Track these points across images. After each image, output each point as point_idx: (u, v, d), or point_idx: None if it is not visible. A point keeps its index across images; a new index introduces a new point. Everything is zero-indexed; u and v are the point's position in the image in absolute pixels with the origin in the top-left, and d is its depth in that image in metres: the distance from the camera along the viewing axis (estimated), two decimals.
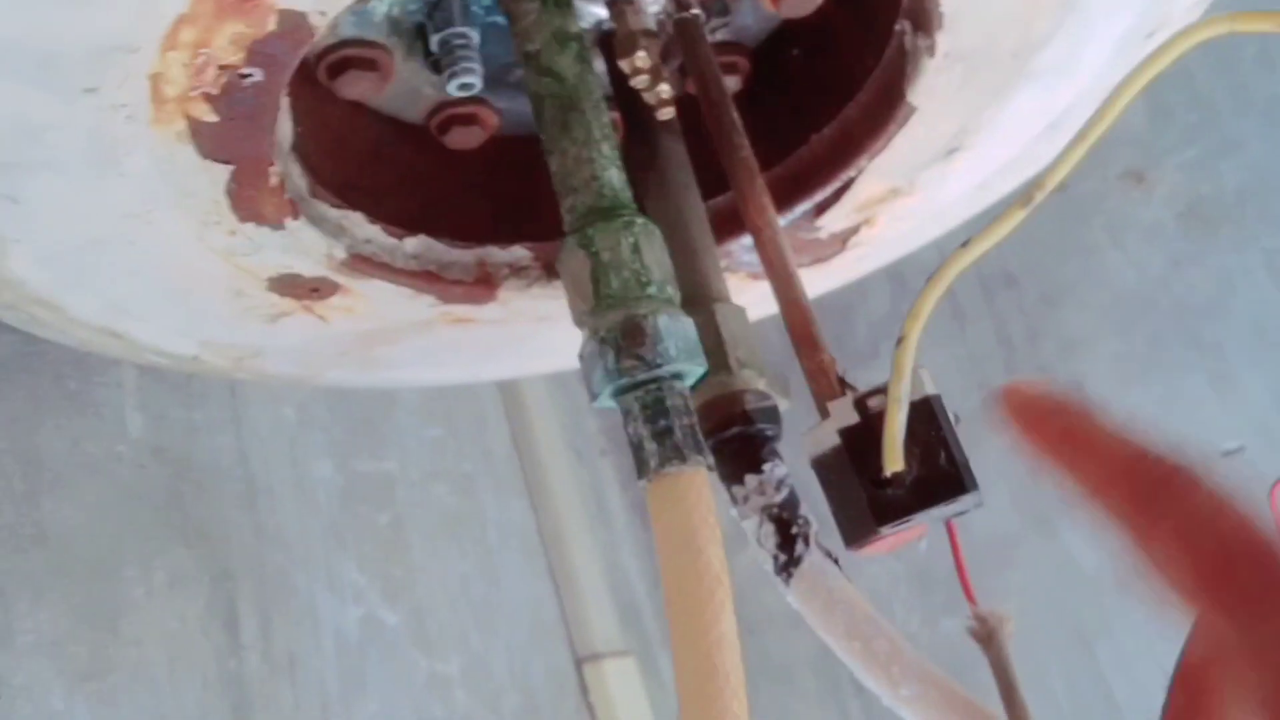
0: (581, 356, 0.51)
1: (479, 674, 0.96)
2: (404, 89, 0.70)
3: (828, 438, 0.51)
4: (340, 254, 0.64)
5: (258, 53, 0.47)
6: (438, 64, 0.68)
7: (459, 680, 0.93)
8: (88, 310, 0.62)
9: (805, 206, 0.77)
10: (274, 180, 0.56)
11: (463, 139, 0.72)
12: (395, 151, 0.72)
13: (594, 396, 0.50)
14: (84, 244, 0.57)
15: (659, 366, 0.48)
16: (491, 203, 0.75)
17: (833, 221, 0.80)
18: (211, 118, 0.50)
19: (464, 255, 0.72)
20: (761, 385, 0.60)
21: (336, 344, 0.73)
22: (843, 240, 0.83)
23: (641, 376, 0.47)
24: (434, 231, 0.70)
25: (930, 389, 0.48)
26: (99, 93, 0.47)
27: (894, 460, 0.46)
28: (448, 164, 0.74)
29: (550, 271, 0.76)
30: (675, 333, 0.49)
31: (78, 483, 0.69)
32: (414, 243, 0.69)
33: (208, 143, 0.51)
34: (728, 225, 0.75)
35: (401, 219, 0.68)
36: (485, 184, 0.76)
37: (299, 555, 0.83)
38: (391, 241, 0.67)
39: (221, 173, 0.54)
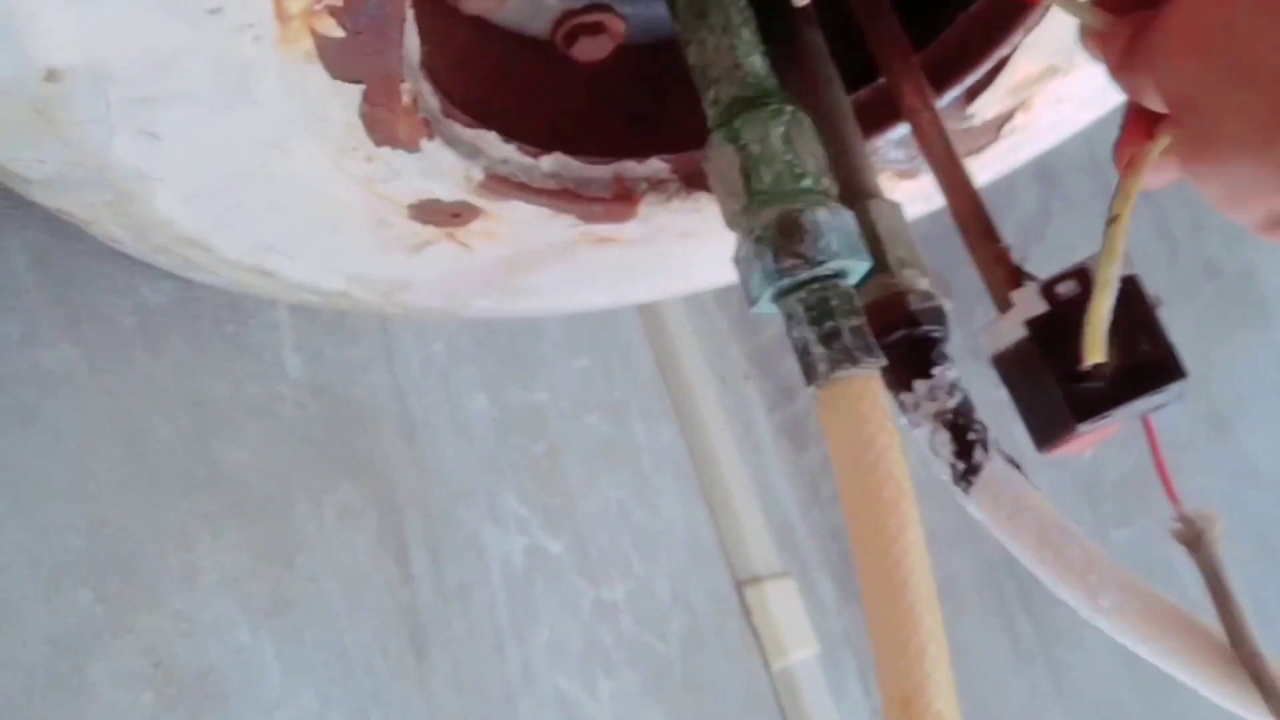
0: (737, 259, 0.48)
1: (643, 599, 0.96)
2: (527, 1, 0.68)
3: (1011, 331, 0.46)
4: (478, 175, 0.62)
5: None
6: None
7: (624, 606, 0.93)
8: (236, 248, 0.62)
9: (955, 93, 0.71)
10: (406, 99, 0.54)
11: (590, 50, 0.69)
12: (522, 67, 0.70)
13: (753, 301, 0.47)
14: (225, 178, 0.56)
15: (821, 264, 0.44)
16: (624, 115, 0.72)
17: (985, 107, 0.74)
18: (337, 33, 0.48)
19: (601, 171, 0.70)
20: (924, 285, 0.56)
21: (480, 272, 0.72)
22: (996, 128, 0.77)
23: (803, 275, 0.44)
24: (568, 148, 0.68)
25: (1127, 268, 0.43)
26: (223, 13, 0.45)
27: (1097, 349, 0.42)
28: (576, 77, 0.71)
29: (689, 184, 0.73)
30: (836, 227, 0.45)
31: (243, 423, 0.70)
32: (550, 160, 0.67)
33: (336, 61, 0.50)
34: (870, 120, 0.70)
35: (535, 136, 0.66)
36: (616, 96, 0.73)
37: (461, 487, 0.83)
38: (528, 160, 0.65)
39: (353, 93, 0.52)
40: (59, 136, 0.50)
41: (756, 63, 0.49)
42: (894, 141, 0.73)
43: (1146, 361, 0.43)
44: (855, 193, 0.56)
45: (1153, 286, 0.47)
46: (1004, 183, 0.86)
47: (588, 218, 0.70)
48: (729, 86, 0.49)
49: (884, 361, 0.45)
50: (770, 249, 0.45)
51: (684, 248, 0.77)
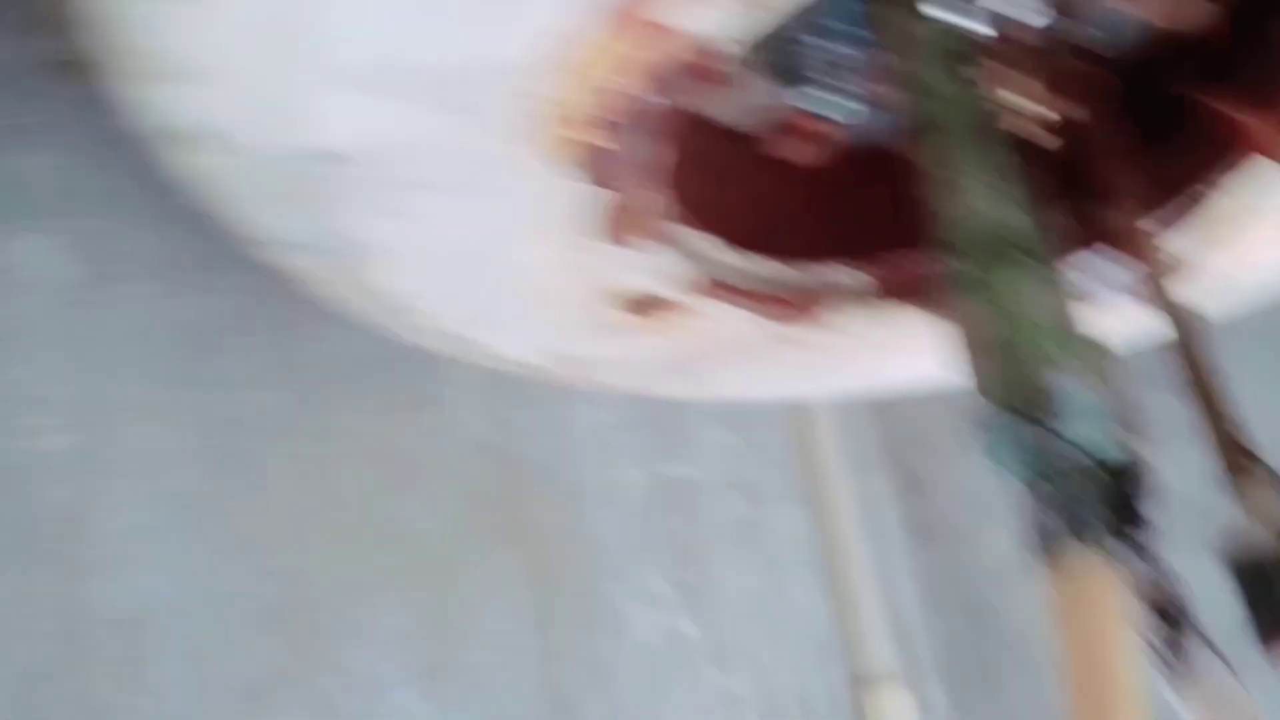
0: (982, 419, 0.48)
1: (766, 693, 0.95)
2: (744, 101, 0.68)
3: (1255, 537, 0.45)
4: (694, 275, 0.63)
5: (656, 77, 0.46)
6: (789, 76, 0.65)
7: (749, 699, 0.92)
8: (451, 318, 0.64)
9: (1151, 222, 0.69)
10: (648, 204, 0.55)
11: (803, 153, 0.69)
12: (738, 167, 0.71)
13: (995, 462, 0.46)
14: (459, 258, 0.58)
15: (1072, 439, 0.44)
16: (833, 220, 0.73)
17: (1181, 241, 0.72)
18: (601, 143, 0.49)
19: (806, 277, 0.70)
20: (1146, 453, 0.55)
21: (673, 360, 0.73)
22: (1188, 264, 0.75)
23: (1054, 449, 0.43)
24: (779, 252, 0.68)
25: None
26: (500, 115, 0.47)
27: None
28: (787, 178, 0.71)
29: (889, 295, 0.73)
30: (1088, 404, 0.45)
31: (425, 480, 0.72)
32: (761, 264, 0.67)
33: (595, 168, 0.51)
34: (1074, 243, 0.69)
35: (750, 239, 0.67)
36: (826, 200, 0.73)
37: (610, 560, 0.84)
38: (741, 263, 0.66)
39: (601, 196, 0.54)
40: (317, 209, 0.52)
41: (1018, 217, 0.48)
42: (1096, 273, 0.71)
43: None
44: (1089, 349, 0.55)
45: None
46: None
47: (786, 320, 0.70)
48: (985, 237, 0.48)
49: (1122, 550, 0.44)
50: (1021, 418, 0.44)
51: (869, 355, 0.77)
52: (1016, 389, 0.45)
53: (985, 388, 0.46)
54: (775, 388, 0.83)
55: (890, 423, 1.40)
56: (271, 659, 0.58)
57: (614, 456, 0.89)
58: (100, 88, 0.58)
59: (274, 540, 0.60)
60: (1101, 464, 0.51)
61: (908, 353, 0.78)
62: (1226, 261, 0.75)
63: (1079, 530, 0.43)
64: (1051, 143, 0.60)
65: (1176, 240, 0.71)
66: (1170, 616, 0.50)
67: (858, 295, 0.72)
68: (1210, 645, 0.50)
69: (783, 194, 0.73)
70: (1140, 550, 0.51)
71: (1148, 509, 0.52)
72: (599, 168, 0.51)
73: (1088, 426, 0.44)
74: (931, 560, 1.36)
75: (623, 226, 0.56)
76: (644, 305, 0.65)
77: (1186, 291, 0.76)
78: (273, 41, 0.41)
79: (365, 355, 0.71)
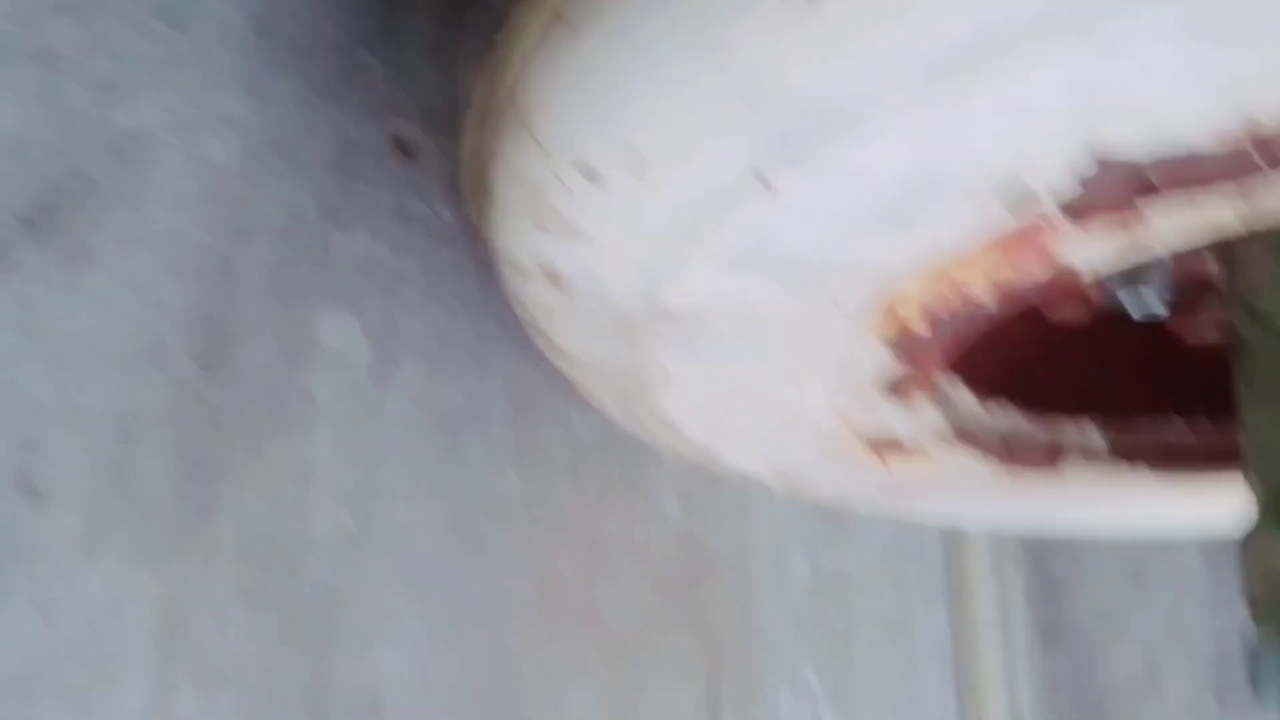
0: (1250, 650, 0.47)
1: None
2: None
3: None
4: (944, 427, 0.63)
5: (1009, 295, 0.46)
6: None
7: None
8: (697, 435, 0.65)
9: None
10: (934, 377, 0.55)
11: (1069, 313, 0.69)
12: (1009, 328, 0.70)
13: (1257, 690, 0.46)
14: (733, 396, 0.59)
15: None
16: (1076, 378, 0.72)
17: None
18: (923, 333, 0.49)
19: (1042, 433, 0.69)
20: None
21: (886, 486, 0.73)
22: None
23: None
24: (1019, 403, 0.68)
25: None
26: (839, 305, 0.47)
27: None
28: (1044, 336, 0.71)
29: (1119, 456, 0.72)
30: None
31: (624, 566, 0.73)
32: (1004, 418, 0.67)
33: (905, 349, 0.51)
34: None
35: (997, 391, 0.66)
36: (1072, 357, 0.72)
37: (773, 651, 0.84)
38: (986, 418, 0.65)
39: (897, 369, 0.54)
40: (624, 345, 0.53)
41: None
42: None
43: None
44: None
45: None
46: None
47: (1011, 469, 0.70)
48: None
49: None
50: None
51: (1076, 504, 0.76)
52: None
53: (1262, 618, 0.46)
54: (979, 519, 0.82)
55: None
56: None
57: (786, 546, 0.90)
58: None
59: (488, 624, 0.62)
60: None
61: (1121, 511, 0.77)
62: None
63: None
64: None
65: None
66: None
67: (1091, 454, 0.71)
68: None
69: (1037, 348, 0.72)
70: None
71: None
72: (908, 348, 0.51)
73: None
74: (1055, 666, 1.34)
75: (903, 390, 0.56)
76: (886, 446, 0.65)
77: None
78: (667, 225, 0.42)
79: (588, 441, 0.72)
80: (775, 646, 0.87)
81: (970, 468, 0.69)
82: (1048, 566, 1.35)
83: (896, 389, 0.56)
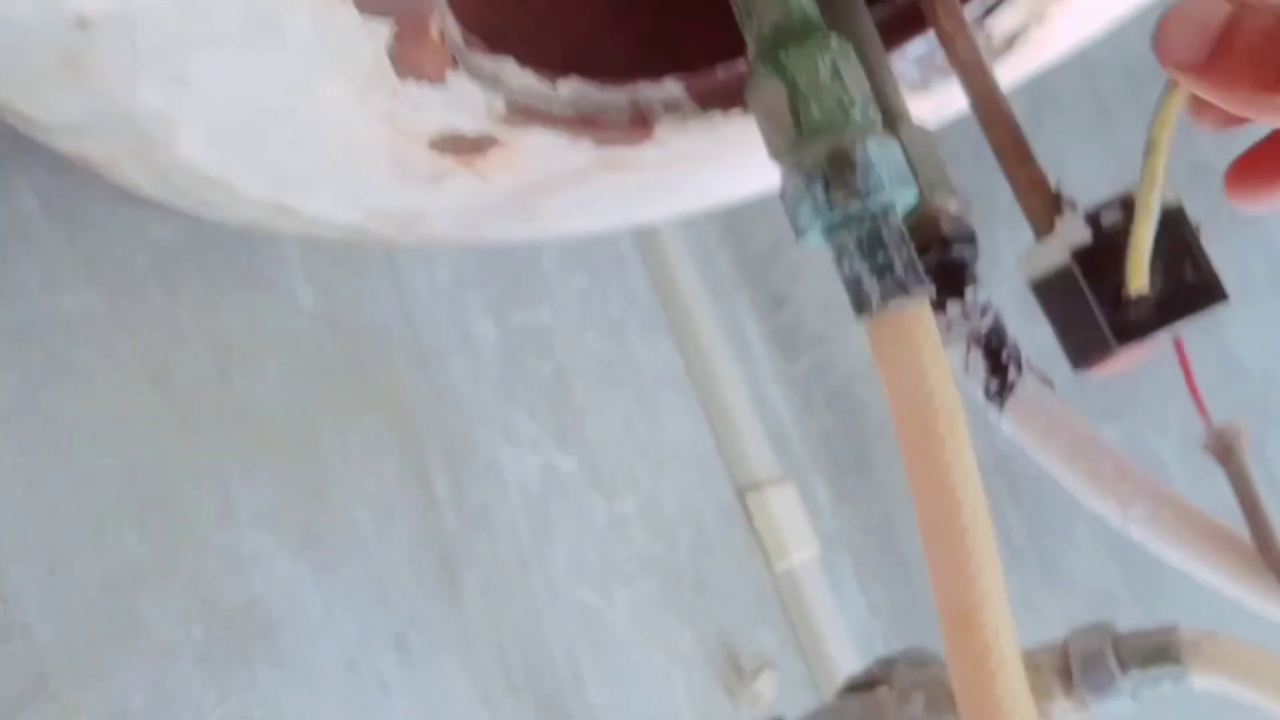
0: (784, 194, 0.48)
1: (652, 511, 0.98)
2: None
3: (1053, 257, 0.47)
4: (499, 106, 0.62)
5: None
6: None
7: (636, 519, 0.95)
8: (256, 187, 0.61)
9: (974, 9, 0.71)
10: (434, 33, 0.53)
11: None
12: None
13: (801, 234, 0.47)
14: (250, 120, 0.55)
15: (872, 197, 0.45)
16: (637, 38, 0.72)
17: (1001, 23, 0.74)
18: None
19: (617, 96, 0.69)
20: (954, 206, 0.57)
21: (496, 201, 0.72)
22: (1009, 42, 0.77)
23: (854, 209, 0.45)
24: (584, 73, 0.67)
25: (1172, 198, 0.44)
26: None
27: (1139, 276, 0.43)
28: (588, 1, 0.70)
29: (705, 105, 0.72)
30: (885, 160, 0.46)
31: (263, 358, 0.70)
32: (567, 88, 0.66)
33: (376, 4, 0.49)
34: (887, 36, 0.70)
35: (551, 63, 0.65)
36: (629, 19, 0.72)
37: (475, 410, 0.84)
38: (546, 88, 0.64)
39: (382, 29, 0.51)
40: (85, 85, 0.49)
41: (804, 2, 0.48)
42: (909, 58, 0.72)
43: (1190, 286, 0.44)
44: (886, 116, 0.56)
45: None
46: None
47: (604, 143, 0.69)
48: (773, 17, 0.48)
49: (933, 290, 0.46)
50: (820, 183, 0.45)
51: (699, 169, 0.77)
52: (816, 158, 0.45)
53: (778, 156, 0.47)
54: (611, 216, 0.82)
55: (742, 243, 1.42)
56: (128, 551, 0.57)
57: (461, 312, 0.89)
58: None
59: (108, 439, 0.58)
60: (907, 217, 0.53)
61: (740, 162, 0.78)
62: (1038, 34, 0.77)
63: (893, 283, 0.45)
64: None
65: (995, 21, 0.72)
66: (990, 346, 0.53)
67: (676, 109, 0.71)
68: (1030, 367, 0.53)
69: (586, 14, 0.71)
70: (951, 288, 0.53)
71: (958, 252, 0.54)
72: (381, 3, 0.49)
73: (889, 184, 0.46)
74: (800, 369, 1.41)
75: (411, 60, 0.54)
76: (456, 144, 0.63)
77: (1009, 64, 0.79)
78: None
79: (175, 243, 0.68)
80: (477, 405, 0.86)
81: (561, 154, 0.69)
82: (767, 282, 1.40)
83: (406, 60, 0.54)
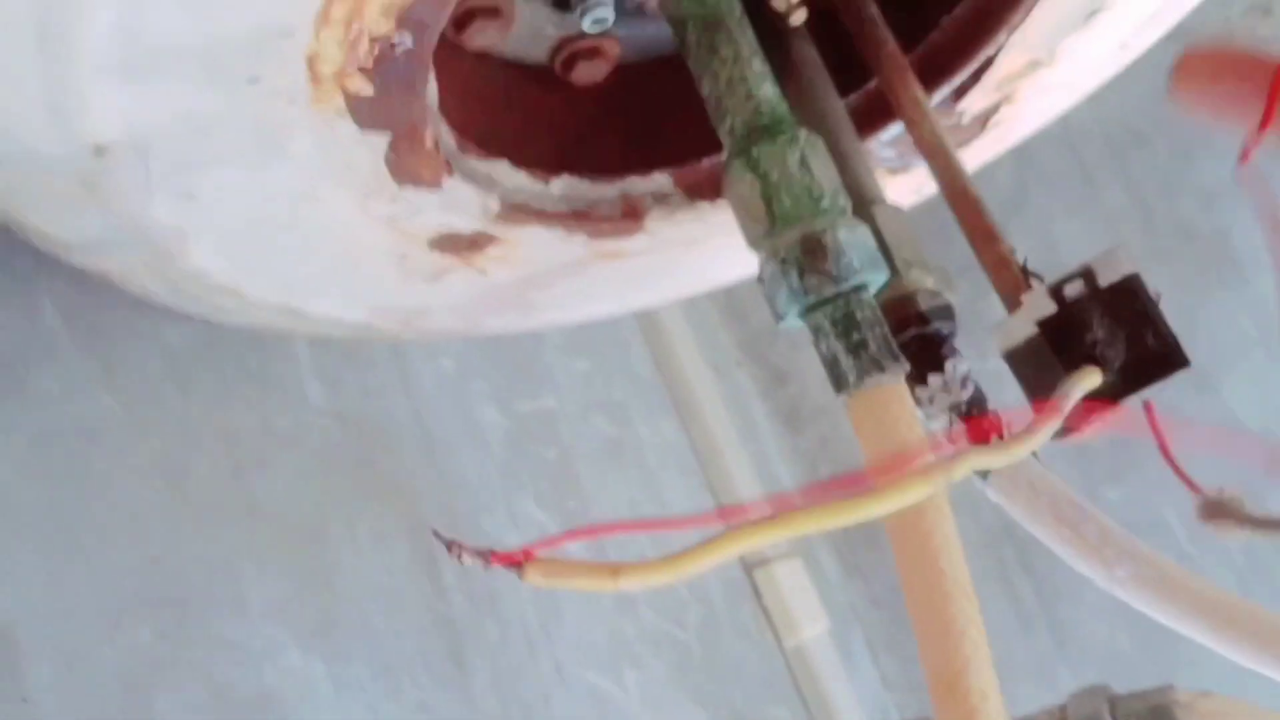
0: (762, 280, 0.51)
1: (660, 591, 0.99)
2: (525, 31, 0.70)
3: (1022, 329, 0.50)
4: (494, 205, 0.65)
5: (407, 19, 0.47)
6: (564, 2, 0.67)
7: (644, 599, 0.96)
8: (265, 292, 0.64)
9: (944, 92, 0.74)
10: (429, 142, 0.57)
11: (588, 73, 0.72)
12: (525, 95, 0.72)
13: (780, 318, 0.50)
14: (257, 229, 0.59)
15: (844, 280, 0.47)
16: (625, 134, 0.75)
17: (972, 104, 0.77)
18: (367, 90, 0.50)
19: (607, 190, 0.72)
20: (931, 283, 0.60)
21: (495, 294, 0.74)
22: (982, 122, 0.81)
23: (828, 292, 0.47)
24: (575, 170, 0.71)
25: (1129, 268, 0.47)
26: (261, 81, 0.48)
27: None
28: (577, 101, 0.73)
29: (692, 194, 0.75)
30: (855, 244, 0.48)
31: (274, 455, 0.72)
32: (559, 184, 0.69)
33: (365, 115, 0.52)
34: (862, 121, 0.73)
35: (543, 162, 0.69)
36: (616, 116, 0.75)
37: (481, 498, 0.86)
38: (539, 186, 0.68)
39: (380, 142, 0.55)
40: (102, 205, 0.52)
41: (769, 92, 0.52)
42: (884, 141, 0.76)
43: (1151, 354, 0.46)
44: (860, 200, 0.59)
45: (1133, 252, 0.51)
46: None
47: (598, 235, 0.73)
48: (744, 116, 0.51)
49: (908, 367, 0.48)
50: (795, 269, 0.48)
51: (689, 254, 0.80)
52: (790, 245, 0.48)
53: (755, 245, 0.49)
54: (609, 303, 0.85)
55: (742, 321, 1.45)
56: (144, 647, 0.59)
57: (467, 402, 0.91)
58: None
59: (126, 537, 0.61)
60: (882, 296, 0.56)
61: (729, 245, 0.81)
62: (1008, 112, 0.80)
63: (868, 361, 0.47)
64: (802, 19, 0.63)
65: (967, 102, 0.76)
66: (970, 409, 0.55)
67: (665, 200, 0.75)
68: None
69: (575, 114, 0.75)
70: (931, 362, 0.56)
71: (936, 327, 0.57)
72: (370, 115, 0.52)
73: (861, 267, 0.48)
74: (805, 442, 1.42)
75: (408, 168, 0.57)
76: (455, 243, 0.66)
77: (984, 142, 0.82)
78: (21, 41, 0.41)
79: (187, 346, 0.71)
80: (484, 492, 0.88)
81: (557, 247, 0.72)
82: (769, 359, 1.42)
83: (402, 167, 0.57)
